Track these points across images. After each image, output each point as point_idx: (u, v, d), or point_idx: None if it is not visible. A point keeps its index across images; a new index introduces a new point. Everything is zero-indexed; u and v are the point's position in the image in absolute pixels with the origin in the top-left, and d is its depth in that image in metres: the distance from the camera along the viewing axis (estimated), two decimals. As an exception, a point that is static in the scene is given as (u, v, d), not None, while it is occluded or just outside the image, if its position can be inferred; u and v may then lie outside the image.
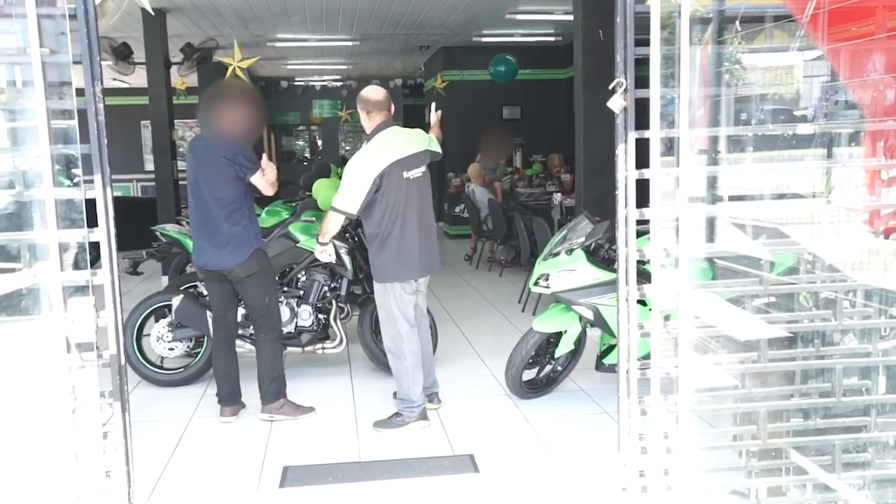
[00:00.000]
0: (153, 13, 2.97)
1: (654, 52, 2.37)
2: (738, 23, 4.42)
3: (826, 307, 2.80)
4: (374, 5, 9.53)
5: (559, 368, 4.84)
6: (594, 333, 4.82)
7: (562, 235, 4.68)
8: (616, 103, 2.54)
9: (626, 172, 2.54)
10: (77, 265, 2.38)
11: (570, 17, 8.00)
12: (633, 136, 2.53)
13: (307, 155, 20.48)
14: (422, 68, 15.67)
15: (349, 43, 12.39)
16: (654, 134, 2.41)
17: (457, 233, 12.69)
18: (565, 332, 4.56)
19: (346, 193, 4.20)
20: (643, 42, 2.45)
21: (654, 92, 2.39)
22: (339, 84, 18.21)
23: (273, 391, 4.50)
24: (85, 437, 2.34)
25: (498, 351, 4.97)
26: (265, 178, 4.33)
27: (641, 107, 2.48)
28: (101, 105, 2.32)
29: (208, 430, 4.47)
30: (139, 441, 4.22)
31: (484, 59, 11.97)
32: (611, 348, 4.63)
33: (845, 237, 3.03)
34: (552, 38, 11.87)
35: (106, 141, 2.35)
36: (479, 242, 10.17)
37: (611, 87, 2.54)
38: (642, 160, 2.50)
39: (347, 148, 19.73)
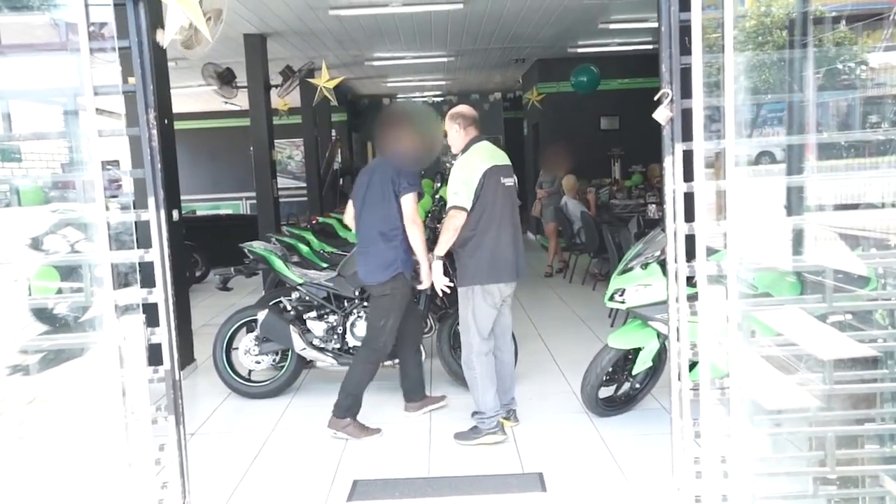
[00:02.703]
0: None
1: (696, 61, 2.28)
2: (843, 22, 4.22)
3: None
4: (464, 22, 9.61)
5: (637, 386, 4.71)
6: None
7: (637, 249, 4.56)
8: (662, 115, 2.46)
9: (673, 186, 2.46)
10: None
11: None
12: (680, 147, 2.44)
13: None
14: (520, 81, 15.68)
15: (445, 59, 12.55)
16: (699, 146, 2.32)
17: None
18: (642, 348, 4.43)
19: (460, 192, 4.28)
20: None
21: (697, 102, 2.30)
22: (439, 100, 18.44)
23: (346, 406, 4.55)
24: (141, 449, 2.45)
25: (581, 367, 4.88)
26: (414, 204, 4.48)
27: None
28: (154, 132, 2.44)
29: (288, 441, 4.59)
30: (221, 450, 4.45)
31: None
32: (693, 365, 4.45)
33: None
34: (649, 47, 11.62)
35: (160, 165, 2.46)
36: (571, 256, 10.04)
37: (656, 97, 2.46)
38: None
39: (452, 162, 19.90)
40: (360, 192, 4.63)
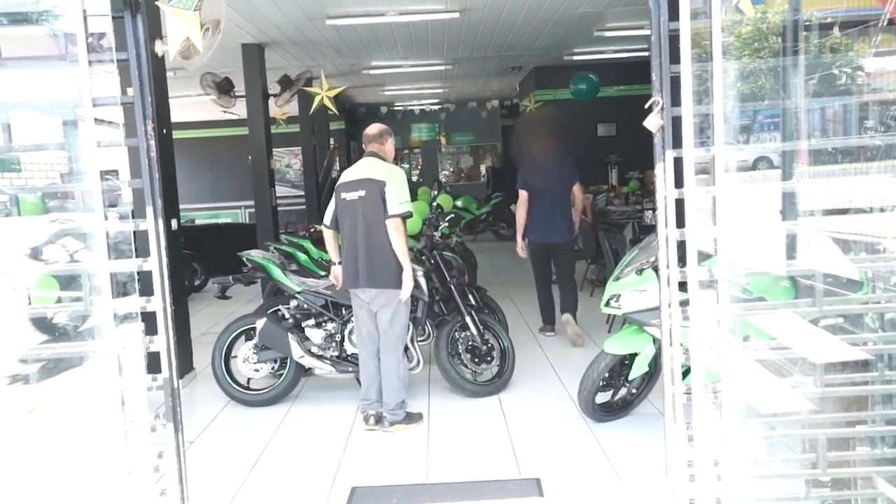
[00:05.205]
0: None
1: (685, 69, 2.32)
2: (836, 28, 4.25)
3: (893, 329, 2.64)
4: (460, 31, 9.66)
5: (634, 391, 4.73)
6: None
7: (633, 255, 4.58)
8: (653, 122, 2.49)
9: (665, 192, 2.49)
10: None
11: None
12: (671, 154, 2.47)
13: (412, 179, 20.85)
14: (517, 88, 15.74)
15: (442, 67, 12.61)
16: (688, 153, 2.35)
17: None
18: (639, 353, 4.46)
19: (327, 210, 5.00)
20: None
21: (687, 110, 2.33)
22: (437, 108, 18.50)
23: (575, 304, 6.96)
24: (140, 456, 2.47)
25: (578, 372, 4.91)
26: (580, 187, 7.00)
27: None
28: (152, 142, 2.47)
29: (287, 449, 4.61)
30: (220, 458, 4.47)
31: (576, 78, 11.94)
32: (687, 369, 4.48)
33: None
34: (645, 53, 11.67)
35: (158, 175, 2.50)
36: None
37: (647, 105, 2.50)
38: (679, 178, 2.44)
39: (450, 170, 19.97)
40: (539, 182, 6.69)
